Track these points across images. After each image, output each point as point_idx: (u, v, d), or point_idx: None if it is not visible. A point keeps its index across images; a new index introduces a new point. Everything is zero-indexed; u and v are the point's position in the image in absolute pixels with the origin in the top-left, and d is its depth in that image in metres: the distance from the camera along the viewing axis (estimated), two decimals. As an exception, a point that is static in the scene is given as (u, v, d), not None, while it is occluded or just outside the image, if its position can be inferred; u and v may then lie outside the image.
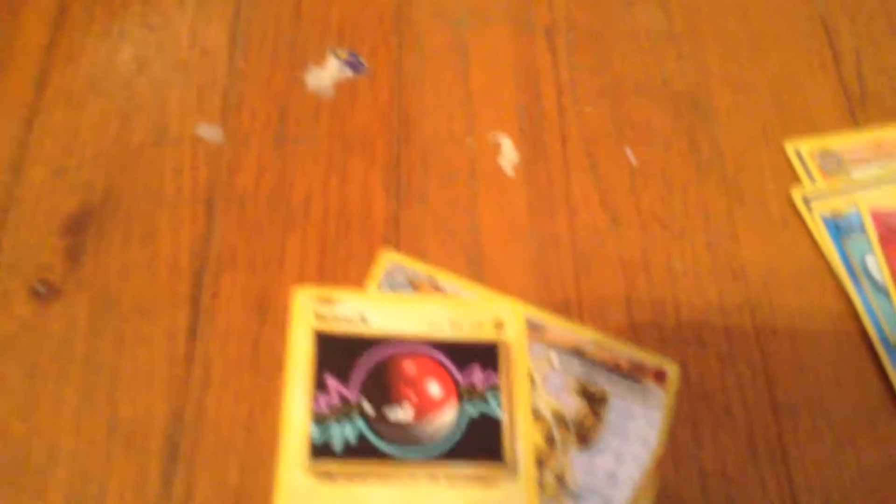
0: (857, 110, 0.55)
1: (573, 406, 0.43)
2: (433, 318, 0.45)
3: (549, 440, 0.42)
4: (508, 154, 0.51)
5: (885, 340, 0.47)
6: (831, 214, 0.50)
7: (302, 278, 0.45)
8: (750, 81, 0.55)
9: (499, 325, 0.45)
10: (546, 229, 0.49)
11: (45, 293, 0.43)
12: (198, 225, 0.46)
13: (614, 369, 0.45)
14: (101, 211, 0.45)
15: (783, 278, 0.49)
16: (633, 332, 0.46)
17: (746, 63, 0.56)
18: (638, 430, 0.43)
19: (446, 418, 0.42)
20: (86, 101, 0.48)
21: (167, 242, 0.45)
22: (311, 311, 0.44)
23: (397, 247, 0.47)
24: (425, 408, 0.42)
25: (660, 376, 0.45)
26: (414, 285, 0.46)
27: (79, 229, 0.45)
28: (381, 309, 0.44)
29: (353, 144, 0.50)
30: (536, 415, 0.43)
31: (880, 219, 0.50)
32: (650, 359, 0.45)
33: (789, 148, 0.53)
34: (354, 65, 0.52)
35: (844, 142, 0.53)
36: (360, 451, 0.41)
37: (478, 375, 0.43)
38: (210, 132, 0.48)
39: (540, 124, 0.52)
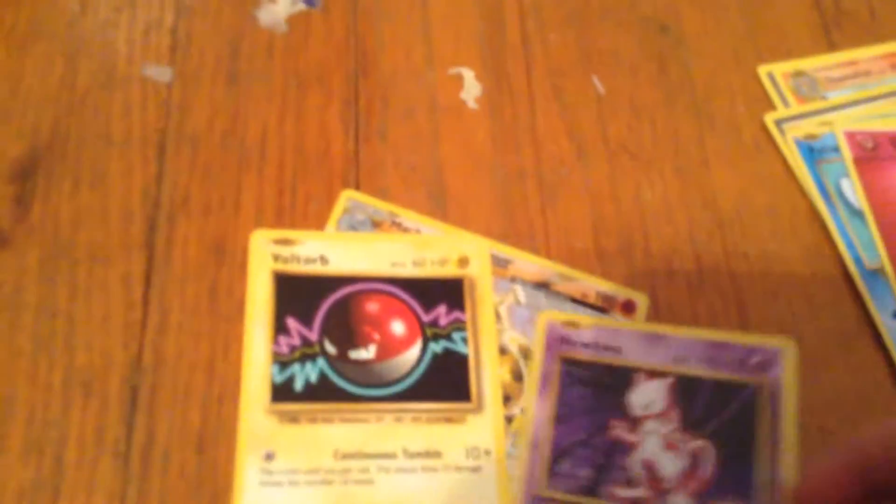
0: (833, 31, 0.53)
1: (539, 339, 0.42)
2: (395, 257, 0.44)
3: (516, 375, 0.42)
4: (471, 86, 0.49)
5: (859, 264, 0.46)
6: (805, 137, 0.49)
7: (259, 220, 0.44)
8: (721, 3, 0.53)
9: (463, 262, 0.44)
10: (511, 162, 0.47)
11: (-7, 242, 0.42)
12: (149, 168, 0.44)
13: (581, 301, 0.44)
14: (48, 156, 0.44)
15: (755, 205, 0.48)
16: (602, 264, 0.45)
17: (718, -16, 0.54)
18: (603, 361, 0.42)
19: (410, 356, 0.41)
20: (29, 45, 0.47)
21: (118, 187, 0.44)
22: (269, 253, 0.43)
23: (357, 185, 0.46)
24: (388, 346, 0.42)
25: (628, 307, 0.44)
26: (375, 224, 0.45)
27: (26, 175, 0.43)
28: (341, 249, 0.43)
29: (308, 81, 0.48)
30: (503, 350, 0.42)
31: (855, 139, 0.49)
32: (618, 290, 0.44)
33: (762, 71, 0.51)
34: (309, -2, 0.50)
35: (819, 63, 0.52)
36: (323, 391, 0.40)
37: (442, 313, 0.43)
38: (159, 72, 0.47)
39: (503, 55, 0.50)
